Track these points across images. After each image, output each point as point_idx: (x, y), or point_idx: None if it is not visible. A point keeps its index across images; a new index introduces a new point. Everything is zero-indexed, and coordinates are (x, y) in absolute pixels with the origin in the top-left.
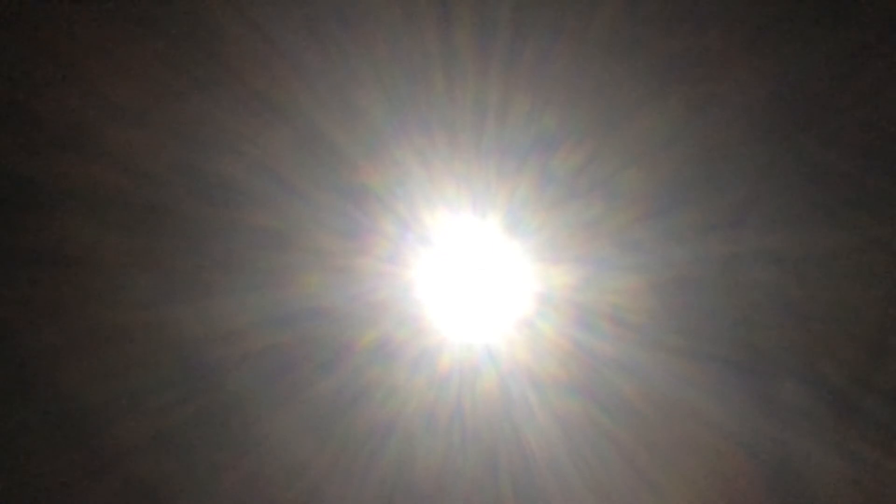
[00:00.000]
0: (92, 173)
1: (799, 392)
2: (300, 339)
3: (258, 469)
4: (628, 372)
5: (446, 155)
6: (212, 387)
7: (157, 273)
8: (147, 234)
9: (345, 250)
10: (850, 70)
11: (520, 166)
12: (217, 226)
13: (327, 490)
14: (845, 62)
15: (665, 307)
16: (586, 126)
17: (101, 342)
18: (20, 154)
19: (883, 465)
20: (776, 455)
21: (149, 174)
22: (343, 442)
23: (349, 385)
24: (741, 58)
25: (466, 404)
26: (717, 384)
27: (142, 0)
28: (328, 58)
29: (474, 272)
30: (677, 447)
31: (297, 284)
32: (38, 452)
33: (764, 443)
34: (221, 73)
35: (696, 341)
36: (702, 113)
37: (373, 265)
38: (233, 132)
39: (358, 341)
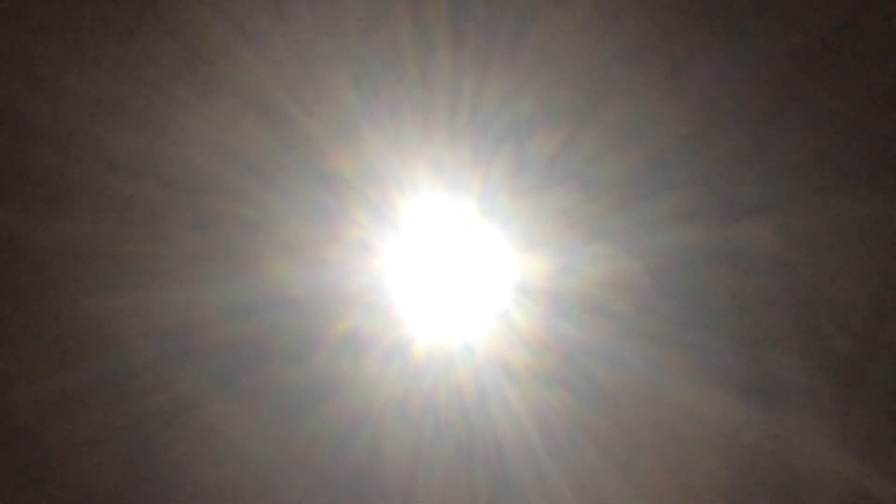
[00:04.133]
0: (54, 161)
1: (794, 379)
2: (266, 329)
3: (217, 468)
4: (607, 362)
5: (418, 139)
6: (167, 382)
7: (114, 261)
8: (109, 221)
9: (314, 238)
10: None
11: (495, 151)
12: (181, 213)
13: (295, 486)
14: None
15: (646, 296)
16: (564, 109)
17: (44, 334)
18: None
19: (881, 462)
20: (765, 447)
21: (113, 161)
22: (311, 437)
23: (318, 378)
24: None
25: (440, 396)
26: (700, 372)
27: None
28: (296, 39)
29: (448, 261)
30: (657, 437)
31: (264, 273)
32: None
33: (752, 434)
34: (185, 57)
35: (677, 329)
36: (685, 92)
37: (343, 253)
38: (198, 117)
39: (327, 332)
